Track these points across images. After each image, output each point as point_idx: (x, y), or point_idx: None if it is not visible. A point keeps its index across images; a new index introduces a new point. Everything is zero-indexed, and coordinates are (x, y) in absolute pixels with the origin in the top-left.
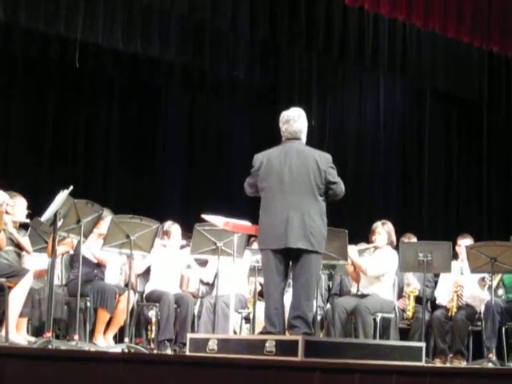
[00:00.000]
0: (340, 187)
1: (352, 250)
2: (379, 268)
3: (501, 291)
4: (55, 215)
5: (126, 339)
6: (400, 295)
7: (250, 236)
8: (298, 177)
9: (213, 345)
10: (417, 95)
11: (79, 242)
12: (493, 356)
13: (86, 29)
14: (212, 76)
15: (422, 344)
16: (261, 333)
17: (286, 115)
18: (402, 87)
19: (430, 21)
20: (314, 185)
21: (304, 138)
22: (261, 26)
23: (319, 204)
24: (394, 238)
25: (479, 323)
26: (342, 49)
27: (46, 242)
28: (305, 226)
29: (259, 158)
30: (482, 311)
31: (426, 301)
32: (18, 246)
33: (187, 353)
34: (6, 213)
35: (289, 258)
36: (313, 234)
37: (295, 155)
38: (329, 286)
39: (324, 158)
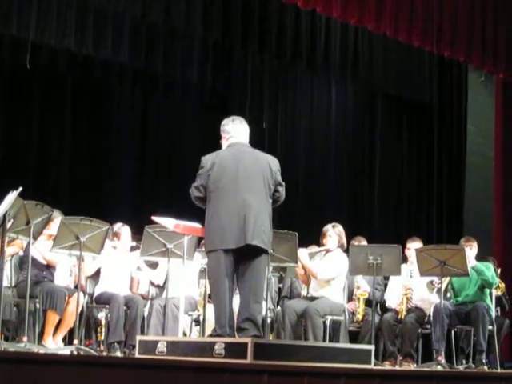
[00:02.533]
0: (284, 191)
1: (302, 253)
2: (329, 272)
3: (449, 294)
4: (4, 216)
5: (76, 341)
6: (350, 298)
7: (200, 238)
8: (252, 177)
9: (162, 347)
10: (368, 98)
11: (29, 243)
12: (442, 359)
13: (38, 30)
14: (164, 78)
15: (372, 347)
16: (210, 335)
17: (235, 120)
18: (354, 91)
19: (382, 24)
20: (267, 185)
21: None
22: (214, 28)
23: (269, 205)
24: (344, 240)
25: (428, 326)
26: (294, 52)
27: None
28: (259, 224)
29: (209, 159)
30: (431, 314)
31: (375, 304)
32: None
33: (137, 355)
34: None
35: (238, 260)
36: (265, 232)
37: (248, 157)
38: (279, 288)
39: (274, 161)
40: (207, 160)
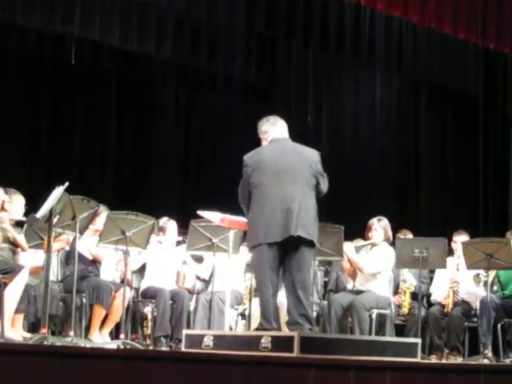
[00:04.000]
0: (326, 182)
1: (348, 247)
2: (376, 266)
3: (495, 288)
4: (51, 211)
5: (122, 335)
6: (396, 291)
7: (245, 232)
8: (294, 170)
9: (208, 341)
10: (413, 91)
11: (75, 238)
12: (489, 352)
13: (82, 25)
14: (208, 73)
15: (418, 340)
16: (256, 329)
17: (269, 119)
18: (398, 83)
19: (427, 17)
20: (309, 177)
21: None
22: (257, 22)
23: (312, 197)
24: (390, 234)
25: (475, 319)
26: (339, 44)
27: (42, 239)
28: (302, 216)
29: (251, 157)
30: (478, 307)
31: (421, 297)
32: (14, 244)
33: (183, 349)
34: (2, 209)
35: (283, 253)
36: (309, 223)
37: (289, 150)
38: (325, 282)
39: (315, 153)
40: (249, 158)
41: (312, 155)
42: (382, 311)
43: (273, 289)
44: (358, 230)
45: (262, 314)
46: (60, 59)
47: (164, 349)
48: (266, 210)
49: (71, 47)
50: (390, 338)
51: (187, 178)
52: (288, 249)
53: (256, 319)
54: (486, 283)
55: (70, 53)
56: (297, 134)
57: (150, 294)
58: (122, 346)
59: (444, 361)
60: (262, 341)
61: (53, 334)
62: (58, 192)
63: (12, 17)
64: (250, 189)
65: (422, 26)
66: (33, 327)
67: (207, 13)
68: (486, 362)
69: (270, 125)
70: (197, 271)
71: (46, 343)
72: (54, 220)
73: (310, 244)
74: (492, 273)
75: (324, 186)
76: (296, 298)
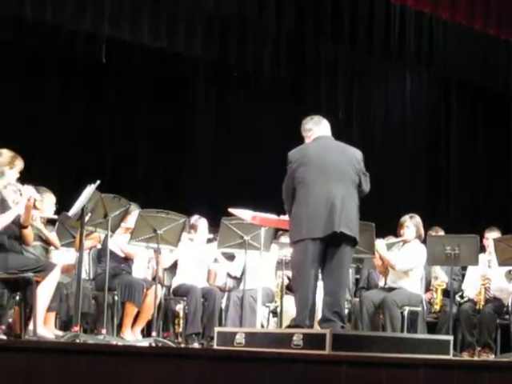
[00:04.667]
0: (368, 182)
1: (380, 244)
2: (407, 263)
3: None
4: (82, 210)
5: (154, 333)
6: (427, 288)
7: (277, 230)
8: (338, 168)
9: (240, 338)
10: (443, 87)
11: (106, 236)
12: None
13: (112, 24)
14: (237, 70)
15: (450, 337)
16: (288, 326)
17: (313, 118)
18: (428, 79)
19: (457, 13)
20: (352, 176)
21: None
22: (287, 19)
23: (355, 195)
24: (422, 231)
25: (507, 316)
26: (369, 41)
27: (74, 237)
28: (346, 213)
29: (296, 153)
30: (510, 304)
31: (453, 294)
32: (46, 242)
33: (215, 346)
34: (34, 207)
35: (324, 250)
36: (352, 221)
37: (334, 148)
38: (356, 279)
39: (358, 152)
40: (293, 154)
41: (355, 154)
42: (413, 308)
43: (313, 286)
44: (389, 228)
45: (300, 310)
46: (91, 58)
47: (196, 346)
48: (309, 206)
49: (101, 46)
50: (422, 335)
51: (218, 175)
52: (330, 245)
53: (288, 316)
54: None
55: (101, 52)
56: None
57: (181, 292)
58: (153, 344)
59: (476, 358)
60: (294, 338)
61: (85, 332)
62: (89, 190)
63: (43, 16)
64: (294, 184)
65: (452, 22)
66: (65, 325)
67: (236, 9)
68: None
69: (315, 123)
70: (228, 269)
71: (78, 341)
72: (86, 218)
73: (351, 241)
74: None
75: (366, 185)
76: (332, 296)
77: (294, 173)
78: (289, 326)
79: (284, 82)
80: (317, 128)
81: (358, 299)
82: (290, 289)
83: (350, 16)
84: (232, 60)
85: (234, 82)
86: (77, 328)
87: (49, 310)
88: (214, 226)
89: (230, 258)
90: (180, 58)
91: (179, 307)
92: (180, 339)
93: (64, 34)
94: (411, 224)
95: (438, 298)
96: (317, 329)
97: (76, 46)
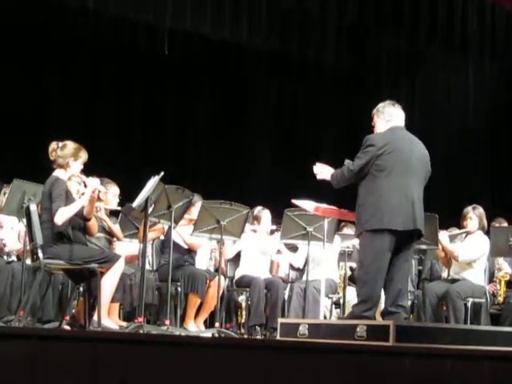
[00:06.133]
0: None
1: (443, 235)
2: (471, 254)
3: None
4: (146, 201)
5: (217, 324)
6: (491, 280)
7: (340, 221)
8: (419, 162)
9: (303, 329)
10: (505, 77)
11: (170, 227)
12: None
13: (174, 16)
14: (299, 61)
15: None
16: (350, 315)
17: (395, 104)
18: (491, 71)
19: None
20: (425, 171)
21: None
22: (348, 9)
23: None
24: (485, 222)
25: None
26: (431, 31)
27: (137, 228)
28: (421, 209)
29: (381, 138)
30: None
31: None
32: (109, 233)
33: (278, 337)
34: (98, 199)
35: (399, 242)
36: (423, 218)
37: (415, 142)
38: (419, 270)
39: (427, 151)
40: (378, 139)
41: (427, 153)
42: (477, 300)
43: (383, 277)
44: (452, 219)
45: (366, 300)
46: (153, 50)
47: (258, 337)
48: (392, 197)
49: (164, 38)
50: (486, 326)
51: (281, 167)
52: (403, 239)
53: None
54: None
55: (163, 43)
56: None
57: (244, 283)
58: (216, 335)
59: None
60: (358, 329)
61: (148, 322)
62: (153, 182)
63: (105, 8)
64: (372, 170)
65: None
66: (128, 316)
67: (298, 1)
68: None
69: (396, 111)
70: (291, 260)
71: (141, 332)
72: (150, 209)
73: (420, 237)
74: None
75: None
76: (398, 289)
77: (376, 159)
78: (351, 316)
79: (345, 72)
80: (397, 117)
81: (420, 291)
82: (352, 280)
83: (412, 6)
84: (293, 51)
85: (295, 74)
86: (141, 319)
87: (113, 300)
88: (277, 217)
89: (293, 249)
90: (242, 50)
91: (242, 298)
92: (243, 330)
93: (126, 25)
94: (474, 215)
95: (501, 289)
96: (379, 320)
97: (138, 37)
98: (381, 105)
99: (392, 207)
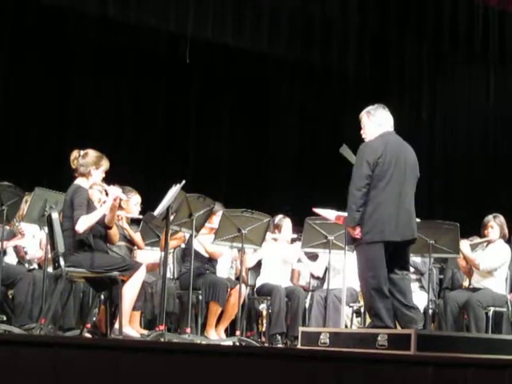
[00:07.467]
0: None
1: (464, 244)
2: (492, 263)
3: None
4: (168, 209)
5: (238, 332)
6: None
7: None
8: (411, 170)
9: (325, 338)
10: None
11: (191, 235)
12: None
13: (196, 24)
14: (322, 69)
15: None
16: (371, 326)
17: (385, 107)
18: None
19: None
20: (416, 178)
21: None
22: (370, 17)
23: None
24: (506, 231)
25: None
26: (452, 40)
27: (158, 236)
28: (414, 217)
29: (378, 147)
30: None
31: None
32: (130, 242)
33: (299, 346)
34: (120, 207)
35: (394, 250)
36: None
37: (406, 147)
38: (440, 279)
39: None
40: (375, 148)
41: (415, 156)
42: (498, 309)
43: (387, 287)
44: (473, 228)
45: (385, 311)
46: (175, 58)
47: (279, 346)
48: (391, 208)
49: (185, 46)
50: (508, 336)
51: (302, 176)
52: (400, 247)
53: None
54: None
55: (185, 52)
56: (411, 130)
57: (265, 291)
58: (237, 343)
59: None
60: (379, 338)
61: (169, 331)
62: (174, 190)
63: (126, 16)
64: (369, 180)
65: None
66: (149, 324)
67: (320, 9)
68: None
69: (388, 115)
70: (311, 269)
71: (163, 340)
72: (171, 218)
73: (413, 243)
74: None
75: None
76: (406, 295)
77: (375, 168)
78: (372, 326)
79: (367, 81)
80: (389, 120)
81: (442, 300)
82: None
83: (434, 14)
84: (315, 59)
85: (318, 81)
86: (162, 327)
87: (134, 309)
88: (298, 226)
89: (313, 257)
90: (263, 58)
91: (263, 306)
92: (263, 338)
93: (147, 33)
94: (495, 224)
95: None
96: (399, 328)
97: (160, 45)
98: (371, 107)
99: (391, 218)
